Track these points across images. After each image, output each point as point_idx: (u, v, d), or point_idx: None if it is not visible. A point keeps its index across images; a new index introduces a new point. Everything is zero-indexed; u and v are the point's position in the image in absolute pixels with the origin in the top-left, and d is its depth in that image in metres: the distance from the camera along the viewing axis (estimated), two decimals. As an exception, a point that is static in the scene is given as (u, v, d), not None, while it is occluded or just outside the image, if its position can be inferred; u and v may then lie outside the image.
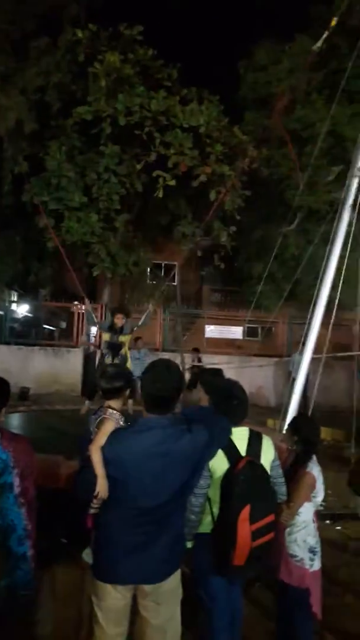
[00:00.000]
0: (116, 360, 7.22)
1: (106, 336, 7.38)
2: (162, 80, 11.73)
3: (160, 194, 11.04)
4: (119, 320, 7.34)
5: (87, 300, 8.81)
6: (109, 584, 2.33)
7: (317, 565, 3.01)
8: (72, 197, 10.90)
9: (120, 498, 2.28)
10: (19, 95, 10.82)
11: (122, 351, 7.37)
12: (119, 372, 2.99)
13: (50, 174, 10.90)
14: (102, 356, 7.47)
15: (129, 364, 7.53)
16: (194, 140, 11.14)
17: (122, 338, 7.35)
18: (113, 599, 2.34)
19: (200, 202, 12.62)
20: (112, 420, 2.62)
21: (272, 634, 3.27)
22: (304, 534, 3.00)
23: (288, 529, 3.00)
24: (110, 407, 2.83)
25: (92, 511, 2.59)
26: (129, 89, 10.97)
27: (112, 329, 7.33)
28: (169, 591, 2.39)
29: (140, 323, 7.92)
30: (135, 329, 7.72)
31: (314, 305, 6.04)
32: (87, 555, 2.88)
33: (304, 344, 13.39)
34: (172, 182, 10.86)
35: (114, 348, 7.31)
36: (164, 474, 2.25)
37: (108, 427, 2.39)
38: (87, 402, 7.68)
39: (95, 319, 8.12)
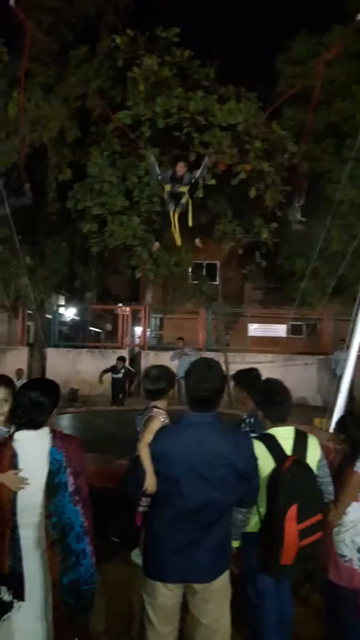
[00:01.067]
0: (177, 211, 7.54)
1: (168, 187, 7.49)
2: (199, 81, 11.74)
3: (201, 194, 11.06)
4: (181, 168, 7.43)
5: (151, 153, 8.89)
6: (159, 581, 2.38)
7: (366, 565, 2.97)
8: (114, 201, 11.08)
9: (168, 495, 2.32)
10: (60, 104, 11.09)
11: (183, 200, 7.53)
12: (162, 373, 3.04)
13: (93, 180, 11.12)
14: (164, 204, 7.73)
15: (190, 220, 7.73)
16: (232, 138, 11.11)
17: (182, 188, 7.46)
18: (163, 597, 2.38)
19: (240, 200, 12.58)
20: (157, 418, 2.68)
21: (322, 635, 3.26)
22: (352, 534, 2.97)
23: (336, 529, 2.99)
24: (155, 406, 2.89)
25: (141, 509, 2.63)
26: (167, 91, 11.05)
27: (174, 178, 7.43)
28: (218, 590, 2.42)
29: (197, 174, 7.82)
30: (193, 180, 7.67)
31: (359, 300, 5.92)
32: (136, 556, 2.93)
33: (343, 340, 13.17)
34: (212, 181, 10.87)
35: (176, 197, 7.50)
36: (209, 470, 2.28)
37: (155, 425, 2.47)
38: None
39: (158, 171, 8.00)
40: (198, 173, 7.80)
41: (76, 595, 2.16)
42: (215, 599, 2.42)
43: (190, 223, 7.80)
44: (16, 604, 2.08)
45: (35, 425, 2.21)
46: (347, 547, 2.96)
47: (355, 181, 12.01)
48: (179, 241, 8.21)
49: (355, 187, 12.17)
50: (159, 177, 7.93)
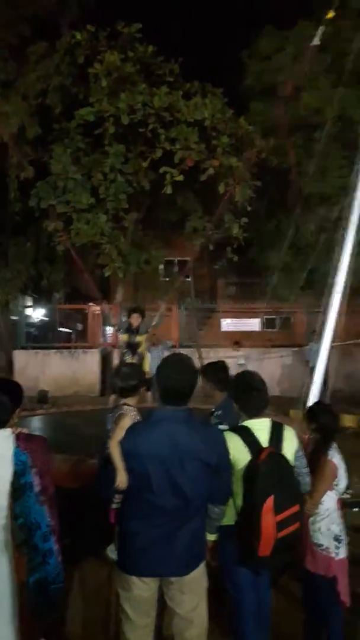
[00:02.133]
0: (135, 359, 7.64)
1: (124, 337, 7.77)
2: (163, 76, 11.68)
3: (169, 190, 10.99)
4: (135, 320, 7.68)
5: (104, 303, 9.35)
6: (134, 575, 2.37)
7: (343, 553, 2.96)
8: (79, 199, 10.91)
9: (140, 491, 2.31)
10: (20, 100, 10.86)
11: (140, 350, 7.78)
12: (133, 371, 3.06)
13: (56, 177, 10.92)
14: (123, 355, 7.90)
15: (147, 363, 8.01)
16: (199, 134, 11.06)
17: (138, 338, 7.73)
18: (139, 590, 2.38)
19: (209, 196, 12.56)
20: (128, 415, 2.68)
21: (301, 623, 3.24)
22: (327, 522, 2.96)
23: (312, 518, 2.97)
24: (126, 404, 2.87)
25: (114, 506, 2.62)
26: (130, 87, 10.93)
27: (130, 329, 7.72)
28: (194, 581, 2.42)
29: (154, 323, 8.40)
30: (149, 329, 8.10)
31: (330, 292, 5.94)
32: (111, 552, 2.91)
33: (319, 333, 13.32)
34: (180, 178, 10.81)
35: (132, 347, 7.74)
36: (181, 466, 2.27)
37: (125, 422, 2.47)
38: (112, 395, 7.95)
39: (112, 321, 8.42)
40: (154, 322, 8.54)
41: (44, 594, 2.13)
42: (191, 589, 2.42)
43: (147, 372, 7.95)
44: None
45: None
46: (323, 535, 2.95)
47: (324, 174, 12.14)
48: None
49: (324, 180, 12.31)
50: (117, 329, 8.44)
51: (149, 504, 2.31)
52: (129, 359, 7.64)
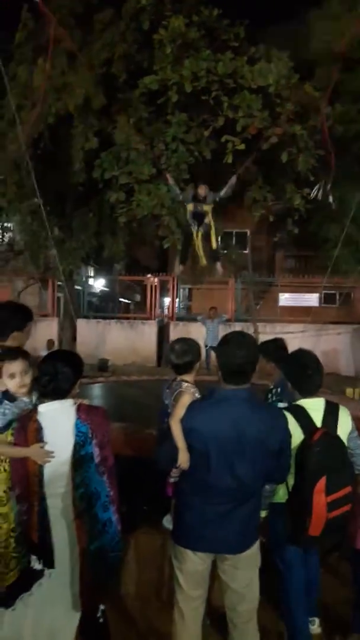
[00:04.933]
0: (201, 231, 7.59)
1: (190, 206, 7.60)
2: (228, 41, 11.28)
3: (230, 160, 10.78)
4: (202, 190, 7.49)
5: (169, 175, 8.86)
6: (189, 549, 2.41)
7: (394, 535, 2.92)
8: (141, 170, 10.90)
9: (198, 469, 2.31)
10: (86, 71, 10.86)
11: (206, 220, 7.62)
12: (188, 347, 2.99)
13: (120, 148, 10.94)
14: (188, 226, 7.76)
15: (213, 235, 7.91)
16: (263, 100, 10.70)
17: (205, 207, 7.55)
18: (193, 563, 2.42)
19: (271, 165, 12.22)
20: (188, 393, 2.67)
21: (349, 602, 3.25)
22: (381, 505, 2.92)
23: (364, 499, 2.93)
24: (184, 380, 2.86)
25: (172, 480, 2.69)
26: (194, 54, 10.67)
27: (196, 198, 7.52)
28: (248, 558, 2.45)
29: (222, 193, 7.85)
30: (217, 199, 7.76)
31: None
32: (167, 522, 3.00)
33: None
34: (242, 146, 10.56)
35: (199, 217, 7.59)
36: (241, 448, 2.26)
37: (185, 400, 2.44)
38: (180, 266, 8.51)
39: (178, 192, 8.21)
40: (222, 192, 7.83)
41: (103, 562, 2.20)
42: (244, 565, 2.45)
43: (214, 245, 7.87)
44: (47, 571, 2.12)
45: (60, 394, 2.21)
46: (376, 517, 2.91)
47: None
48: (203, 261, 8.22)
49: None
50: (180, 197, 8.01)
51: (205, 483, 2.32)
52: (194, 231, 7.57)
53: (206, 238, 7.82)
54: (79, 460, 2.14)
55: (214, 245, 7.89)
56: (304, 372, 2.76)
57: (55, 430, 2.16)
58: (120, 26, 11.16)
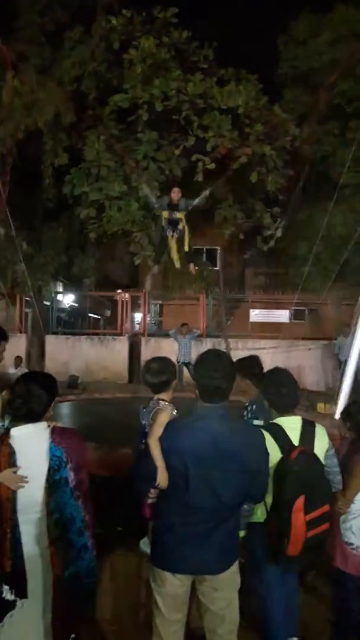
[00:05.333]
0: (175, 236, 8.12)
1: (165, 213, 8.05)
2: (197, 63, 11.50)
3: (200, 178, 10.91)
4: (175, 194, 7.90)
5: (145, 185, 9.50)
6: (168, 571, 2.38)
7: (374, 552, 2.94)
8: (112, 186, 10.91)
9: (176, 488, 2.28)
10: (56, 87, 10.86)
11: (180, 226, 8.08)
12: (163, 366, 2.99)
13: (90, 164, 10.93)
14: (163, 230, 8.30)
15: (186, 241, 8.30)
16: (232, 121, 10.91)
17: (179, 214, 7.99)
18: (172, 586, 2.38)
19: (241, 184, 12.41)
20: (165, 411, 2.64)
21: (329, 620, 3.24)
22: (359, 521, 2.94)
23: (343, 517, 2.96)
24: (160, 399, 2.86)
25: (149, 501, 2.63)
26: (165, 74, 10.83)
27: (170, 205, 7.96)
28: (227, 578, 2.42)
29: (195, 202, 8.38)
30: (190, 208, 8.22)
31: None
32: (144, 545, 2.93)
33: (347, 325, 13.11)
34: (212, 166, 10.70)
35: (173, 224, 8.06)
36: (219, 467, 2.24)
37: (163, 418, 2.41)
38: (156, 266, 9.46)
39: (154, 200, 8.75)
40: (196, 201, 8.39)
41: (78, 589, 2.14)
42: (224, 587, 2.42)
43: (186, 248, 8.27)
44: (19, 602, 2.04)
45: (33, 417, 2.15)
46: (354, 534, 2.94)
47: (358, 164, 11.85)
48: (178, 265, 8.73)
49: (359, 170, 12.02)
50: (156, 205, 8.48)
51: (184, 502, 2.29)
52: (170, 236, 8.02)
53: (179, 242, 8.32)
54: (54, 484, 2.07)
55: (187, 247, 8.25)
56: (281, 390, 2.76)
57: (29, 454, 2.09)
58: (91, 44, 11.22)
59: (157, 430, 2.34)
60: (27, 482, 2.05)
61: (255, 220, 12.77)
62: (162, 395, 2.93)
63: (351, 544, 2.92)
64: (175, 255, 8.46)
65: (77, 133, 11.33)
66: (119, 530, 3.90)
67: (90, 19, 11.42)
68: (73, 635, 2.20)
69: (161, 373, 2.95)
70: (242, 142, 11.10)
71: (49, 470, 2.08)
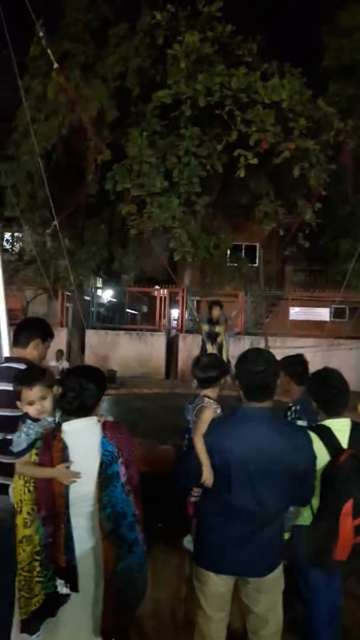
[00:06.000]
0: (214, 348, 8.48)
1: (205, 327, 8.59)
2: (242, 57, 11.42)
3: (242, 174, 10.83)
4: (216, 312, 8.47)
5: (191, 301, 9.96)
6: (212, 572, 2.34)
7: None
8: (153, 182, 10.97)
9: (220, 489, 2.24)
10: (100, 84, 10.97)
11: (219, 339, 8.51)
12: (213, 361, 2.95)
13: (132, 161, 11.02)
14: (204, 344, 8.78)
15: (224, 351, 8.63)
16: (276, 115, 10.78)
17: (218, 328, 8.47)
18: (215, 585, 2.35)
19: (282, 179, 12.26)
20: (210, 408, 2.61)
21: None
22: None
23: (391, 524, 2.86)
24: (206, 396, 2.82)
25: (193, 499, 2.63)
26: (208, 69, 10.79)
27: (210, 321, 8.48)
28: (271, 581, 2.38)
29: (233, 314, 9.52)
30: (229, 321, 8.89)
31: None
32: (187, 542, 2.93)
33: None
34: (254, 161, 10.60)
35: (212, 337, 8.54)
36: (264, 469, 2.18)
37: (207, 415, 2.38)
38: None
39: (195, 313, 9.64)
40: (233, 314, 9.54)
41: (130, 583, 2.15)
42: (268, 589, 2.38)
43: (225, 359, 8.26)
44: (72, 595, 2.07)
45: (85, 410, 2.16)
46: None
47: None
48: None
49: None
50: (197, 320, 9.25)
51: (227, 503, 2.24)
52: (209, 348, 8.41)
53: (219, 352, 8.52)
54: (106, 479, 2.08)
55: (225, 358, 8.36)
56: (331, 391, 2.70)
57: (81, 449, 2.11)
58: (135, 41, 11.30)
59: (202, 427, 2.31)
60: (80, 477, 2.07)
61: (296, 216, 12.58)
62: (209, 392, 2.87)
63: None
64: None
65: (120, 129, 11.42)
66: (159, 526, 3.92)
67: (135, 15, 11.49)
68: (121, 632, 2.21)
69: (210, 368, 2.89)
70: (285, 137, 10.95)
71: (100, 464, 2.09)
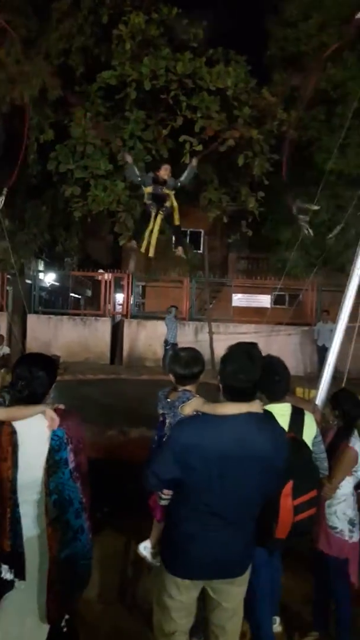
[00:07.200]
0: (161, 213, 6.91)
1: (149, 188, 6.81)
2: (187, 41, 11.33)
3: (187, 160, 10.81)
4: (165, 170, 6.81)
5: (127, 153, 8.08)
6: (187, 579, 2.27)
7: (356, 536, 3.06)
8: (97, 164, 10.77)
9: (198, 491, 2.16)
10: (42, 60, 10.58)
11: (168, 203, 6.92)
12: (195, 356, 2.80)
13: (76, 142, 10.76)
14: (147, 206, 7.05)
15: (176, 218, 7.27)
16: (221, 103, 10.82)
17: (166, 190, 6.83)
18: (189, 592, 2.29)
19: (227, 168, 12.36)
20: (199, 401, 2.43)
21: (308, 600, 3.37)
22: (343, 507, 3.05)
23: (328, 502, 3.05)
24: (187, 390, 2.73)
25: (162, 502, 2.56)
26: (154, 52, 10.65)
27: (156, 181, 6.78)
28: (245, 577, 2.39)
29: (183, 178, 7.05)
30: (179, 184, 7.02)
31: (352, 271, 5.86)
32: (144, 549, 2.80)
33: (326, 312, 13.27)
34: (199, 147, 10.62)
35: (158, 200, 6.84)
36: (244, 468, 2.13)
37: (198, 402, 2.34)
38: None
39: (137, 172, 7.26)
40: (183, 177, 7.10)
41: (74, 570, 2.16)
42: (241, 583, 2.39)
43: (177, 222, 7.26)
44: (17, 582, 2.07)
45: (35, 399, 2.17)
46: (338, 519, 3.03)
47: (344, 151, 11.88)
48: (152, 252, 7.32)
49: (345, 157, 12.06)
50: (138, 179, 7.22)
51: (207, 506, 2.15)
52: (153, 213, 6.87)
53: (166, 220, 7.19)
54: (54, 465, 2.08)
55: (177, 221, 7.25)
56: (272, 377, 2.79)
57: (30, 435, 2.10)
58: (79, 17, 10.93)
59: (196, 405, 2.31)
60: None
61: (240, 204, 12.76)
62: (189, 388, 2.74)
63: (335, 527, 3.03)
64: (154, 241, 7.22)
65: (63, 109, 11.11)
66: (105, 510, 3.96)
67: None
68: (67, 616, 2.24)
69: (192, 364, 2.74)
70: (230, 125, 11.02)
71: (50, 450, 2.09)
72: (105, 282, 14.94)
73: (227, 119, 10.96)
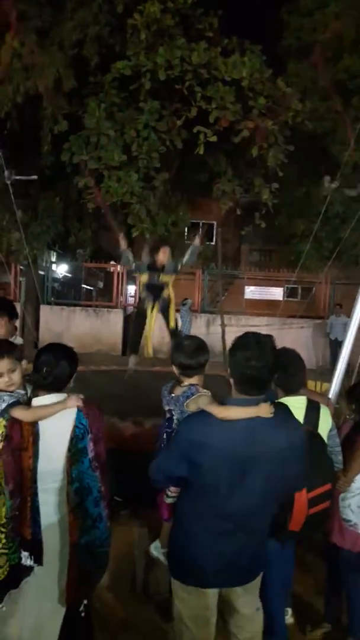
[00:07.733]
0: (157, 307, 6.12)
1: (144, 277, 5.99)
2: (202, 31, 11.23)
3: (201, 151, 10.77)
4: (164, 254, 5.89)
5: (122, 237, 6.42)
6: (199, 587, 2.18)
7: (370, 530, 3.05)
8: (111, 155, 10.74)
9: (205, 492, 2.07)
10: (56, 50, 10.56)
11: (165, 294, 6.06)
12: (199, 344, 2.66)
13: (90, 132, 10.73)
14: (141, 301, 6.21)
15: (171, 316, 6.29)
16: (236, 93, 10.72)
17: (164, 277, 5.94)
18: (202, 600, 2.19)
19: (241, 159, 12.28)
20: (207, 397, 2.29)
21: (320, 592, 3.38)
22: (358, 500, 3.04)
23: (342, 495, 3.04)
24: (193, 385, 2.63)
25: (169, 500, 2.54)
26: (169, 42, 10.56)
27: (153, 267, 5.94)
28: (258, 580, 2.37)
29: (185, 259, 6.09)
30: (180, 267, 6.11)
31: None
32: (155, 549, 2.79)
33: (339, 305, 13.15)
34: (214, 138, 10.55)
35: (155, 289, 6.02)
36: (256, 468, 2.01)
37: (204, 400, 2.15)
38: (132, 357, 6.80)
39: (131, 259, 6.13)
40: (185, 258, 6.09)
41: (91, 557, 2.19)
42: (253, 589, 2.36)
43: (171, 323, 6.30)
44: (36, 568, 2.11)
45: (57, 386, 2.20)
46: (352, 512, 3.03)
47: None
48: (150, 353, 6.48)
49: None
50: (132, 266, 6.17)
51: (215, 509, 2.06)
52: (149, 310, 6.08)
53: (163, 315, 6.29)
54: (76, 453, 2.12)
55: (172, 324, 6.34)
56: (288, 370, 2.80)
57: (50, 424, 2.13)
58: (93, 7, 10.88)
59: (217, 409, 2.03)
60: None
61: (253, 195, 12.67)
62: (195, 380, 2.60)
63: (349, 520, 3.02)
64: (149, 340, 6.41)
65: (77, 100, 11.09)
66: (116, 499, 4.00)
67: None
68: (85, 601, 2.28)
69: (198, 353, 2.59)
70: (244, 116, 10.93)
71: (73, 438, 2.12)
72: (118, 273, 14.97)
73: (241, 109, 10.86)
